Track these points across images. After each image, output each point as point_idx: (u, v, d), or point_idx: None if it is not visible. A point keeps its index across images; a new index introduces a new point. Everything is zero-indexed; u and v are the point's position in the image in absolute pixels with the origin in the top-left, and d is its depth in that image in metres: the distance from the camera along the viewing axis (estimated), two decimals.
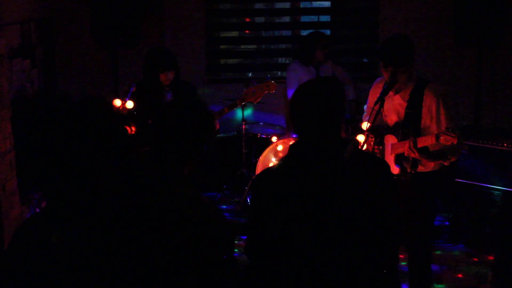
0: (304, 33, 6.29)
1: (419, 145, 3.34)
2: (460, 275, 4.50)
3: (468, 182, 5.00)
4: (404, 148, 3.41)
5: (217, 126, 4.24)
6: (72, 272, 1.68)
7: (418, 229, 3.66)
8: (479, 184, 4.94)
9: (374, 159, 2.61)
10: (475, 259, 4.74)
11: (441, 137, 3.20)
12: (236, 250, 2.74)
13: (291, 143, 2.27)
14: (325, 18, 7.12)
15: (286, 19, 7.44)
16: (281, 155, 5.24)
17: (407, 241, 3.77)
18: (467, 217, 5.13)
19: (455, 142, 3.15)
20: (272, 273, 2.14)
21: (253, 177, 4.61)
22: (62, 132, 1.78)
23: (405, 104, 3.53)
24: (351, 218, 2.08)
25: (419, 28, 6.13)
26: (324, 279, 2.09)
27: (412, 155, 3.38)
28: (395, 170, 3.57)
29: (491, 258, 4.70)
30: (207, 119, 2.06)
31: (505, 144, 4.82)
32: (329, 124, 2.17)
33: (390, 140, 3.62)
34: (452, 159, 3.48)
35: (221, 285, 1.92)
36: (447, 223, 5.11)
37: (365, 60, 7.03)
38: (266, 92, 4.30)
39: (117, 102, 3.92)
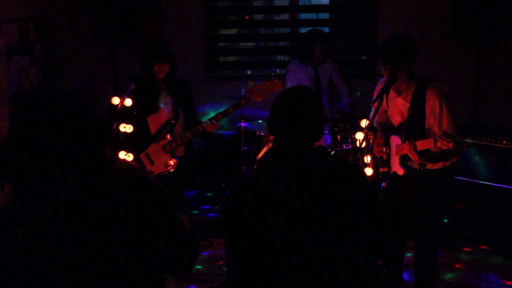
0: (303, 30, 6.28)
1: (419, 148, 3.34)
2: (458, 273, 4.50)
3: (467, 179, 5.00)
4: (405, 150, 3.42)
5: (216, 127, 4.20)
6: (38, 269, 1.65)
7: (426, 227, 3.67)
8: (478, 181, 4.94)
9: (347, 163, 2.63)
10: (473, 257, 4.75)
11: (438, 142, 3.20)
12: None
13: (260, 156, 2.24)
14: (324, 16, 7.12)
15: (285, 16, 7.43)
16: None
17: (415, 239, 3.77)
18: (466, 214, 5.13)
19: (450, 146, 3.14)
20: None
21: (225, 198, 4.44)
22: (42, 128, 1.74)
23: (408, 105, 3.52)
24: (333, 223, 2.07)
25: (419, 26, 6.13)
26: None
27: (413, 158, 3.39)
28: (400, 171, 3.57)
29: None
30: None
31: (504, 142, 4.82)
32: (305, 131, 2.17)
33: (396, 141, 3.62)
34: (453, 159, 3.48)
35: None
36: (446, 220, 5.11)
37: (364, 58, 7.03)
38: (270, 90, 4.26)
39: (116, 100, 3.88)
